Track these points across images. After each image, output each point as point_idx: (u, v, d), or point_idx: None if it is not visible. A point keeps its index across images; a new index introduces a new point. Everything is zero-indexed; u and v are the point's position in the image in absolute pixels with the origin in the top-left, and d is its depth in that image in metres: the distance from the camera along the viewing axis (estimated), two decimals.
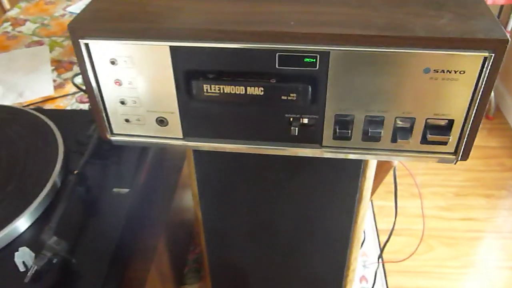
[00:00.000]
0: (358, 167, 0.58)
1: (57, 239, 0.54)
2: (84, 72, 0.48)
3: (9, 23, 1.50)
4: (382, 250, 1.05)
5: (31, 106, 1.12)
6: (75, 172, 0.63)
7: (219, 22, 0.45)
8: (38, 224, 0.61)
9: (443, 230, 1.88)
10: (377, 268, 1.19)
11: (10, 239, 0.59)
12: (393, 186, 0.90)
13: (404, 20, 0.44)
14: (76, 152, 0.70)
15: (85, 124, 0.73)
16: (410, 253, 1.73)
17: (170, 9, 0.47)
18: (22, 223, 0.60)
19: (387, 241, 0.99)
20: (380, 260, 1.18)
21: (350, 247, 0.67)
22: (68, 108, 1.05)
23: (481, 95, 0.44)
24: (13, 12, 1.56)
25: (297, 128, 0.48)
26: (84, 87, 0.49)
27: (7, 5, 1.71)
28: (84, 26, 0.45)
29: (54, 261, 0.53)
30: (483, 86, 0.43)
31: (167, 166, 0.78)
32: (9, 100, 1.29)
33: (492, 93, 1.93)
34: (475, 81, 0.43)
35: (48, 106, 1.08)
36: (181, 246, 0.85)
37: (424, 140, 0.48)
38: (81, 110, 0.91)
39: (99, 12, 0.47)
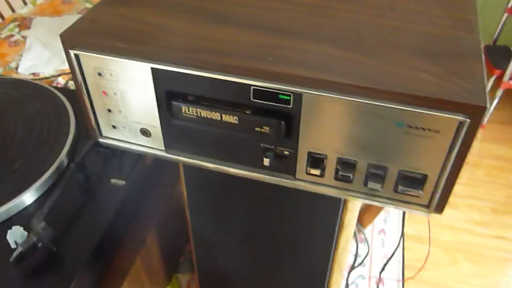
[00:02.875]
0: (338, 199, 0.58)
1: (45, 225, 0.58)
2: (75, 80, 0.50)
3: None
4: (383, 268, 1.03)
5: (71, 76, 1.17)
6: (76, 161, 0.66)
7: (200, 49, 0.45)
8: (40, 203, 0.65)
9: (472, 245, 1.83)
10: (379, 282, 1.18)
11: (9, 215, 0.64)
12: None
13: (385, 69, 0.42)
14: (86, 137, 0.74)
15: None
16: (432, 264, 1.70)
17: (159, 29, 0.48)
18: (22, 201, 0.65)
19: (390, 258, 0.98)
20: (380, 275, 1.16)
21: (330, 271, 0.67)
22: None
23: (456, 157, 0.42)
24: None
25: (269, 159, 0.49)
26: None
27: None
28: (75, 38, 0.47)
29: (39, 245, 0.58)
30: (458, 148, 0.42)
31: (168, 162, 0.80)
32: (53, 65, 1.36)
33: None
34: (450, 142, 0.42)
35: None
36: (177, 237, 0.88)
37: (397, 190, 0.47)
38: None
39: (92, 24, 0.48)
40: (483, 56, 0.44)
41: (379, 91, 0.40)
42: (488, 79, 1.85)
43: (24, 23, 1.62)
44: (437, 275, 1.65)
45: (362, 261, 1.11)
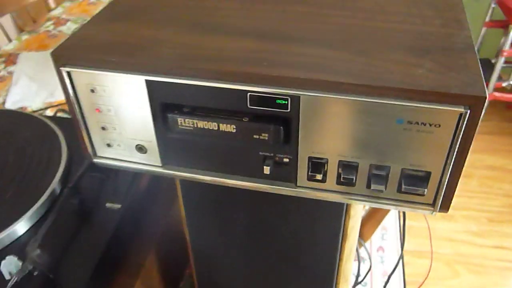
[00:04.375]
0: (341, 205, 0.57)
1: (40, 252, 0.56)
2: (67, 98, 0.49)
3: (51, 22, 1.55)
4: (389, 277, 1.02)
5: (59, 107, 1.17)
6: (69, 186, 0.65)
7: (194, 58, 0.45)
8: (33, 232, 0.64)
9: (472, 256, 1.81)
10: None
11: (2, 246, 0.62)
12: None
13: (381, 67, 0.42)
14: (79, 163, 0.72)
15: None
16: (434, 278, 1.68)
17: (151, 41, 0.47)
18: (15, 231, 0.63)
19: (389, 277, 0.96)
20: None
21: (335, 282, 0.66)
22: None
23: (458, 150, 0.42)
24: (56, 12, 1.62)
25: (269, 167, 0.48)
26: None
27: (52, 4, 1.79)
28: (66, 55, 0.46)
29: (35, 273, 0.56)
30: (460, 141, 0.41)
31: (164, 181, 0.79)
32: (40, 98, 1.35)
33: None
34: (451, 136, 0.41)
35: None
36: (176, 260, 0.86)
37: (400, 189, 0.46)
38: None
39: (82, 41, 0.48)
40: (476, 50, 0.44)
41: (376, 88, 0.40)
42: None
43: (10, 59, 1.62)
44: None
45: (365, 277, 1.09)
